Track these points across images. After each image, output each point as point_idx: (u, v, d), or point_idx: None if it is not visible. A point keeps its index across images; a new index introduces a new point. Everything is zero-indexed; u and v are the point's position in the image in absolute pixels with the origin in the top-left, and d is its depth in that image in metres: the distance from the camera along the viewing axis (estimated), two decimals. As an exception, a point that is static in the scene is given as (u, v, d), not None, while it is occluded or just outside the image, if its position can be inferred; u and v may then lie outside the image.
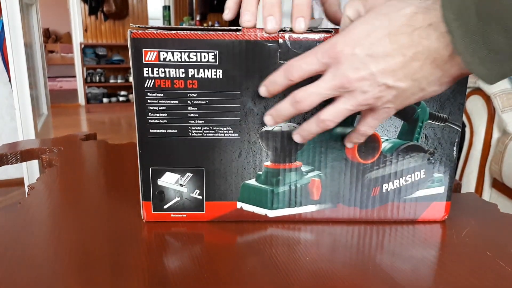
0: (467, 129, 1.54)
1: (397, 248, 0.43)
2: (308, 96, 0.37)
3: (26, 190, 0.63)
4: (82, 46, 5.33)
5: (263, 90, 0.41)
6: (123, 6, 5.51)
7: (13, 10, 1.78)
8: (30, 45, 2.08)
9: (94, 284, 0.35)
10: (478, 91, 1.51)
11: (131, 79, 0.42)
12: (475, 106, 1.52)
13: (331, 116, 0.38)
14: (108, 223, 0.47)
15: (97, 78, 5.46)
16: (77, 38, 5.32)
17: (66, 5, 5.54)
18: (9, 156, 0.75)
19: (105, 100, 5.48)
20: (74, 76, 5.51)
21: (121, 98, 5.58)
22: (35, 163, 1.90)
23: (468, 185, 1.54)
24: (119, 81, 5.58)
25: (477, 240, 0.44)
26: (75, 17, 5.30)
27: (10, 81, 1.97)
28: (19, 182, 2.20)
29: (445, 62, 0.33)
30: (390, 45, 0.33)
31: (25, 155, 0.77)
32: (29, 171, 1.93)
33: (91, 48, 5.48)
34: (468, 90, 1.51)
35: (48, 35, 7.29)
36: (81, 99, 5.39)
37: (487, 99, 1.47)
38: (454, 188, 0.49)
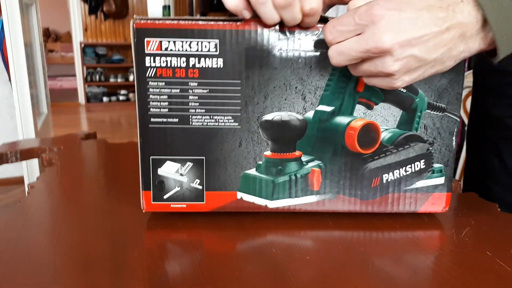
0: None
1: (397, 248, 0.43)
2: (337, 55, 0.37)
3: (26, 189, 0.64)
4: (82, 45, 5.33)
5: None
6: (123, 6, 5.51)
7: (12, 10, 1.78)
8: (30, 45, 2.08)
9: (94, 284, 0.35)
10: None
11: (131, 78, 0.43)
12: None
13: (353, 72, 0.39)
14: (108, 223, 0.47)
15: (97, 77, 5.47)
16: (77, 37, 5.32)
17: (66, 4, 5.53)
18: (9, 155, 0.76)
19: (105, 99, 5.48)
20: (74, 75, 5.51)
21: (121, 97, 5.57)
22: (35, 162, 1.90)
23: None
24: (119, 80, 5.57)
25: (477, 240, 0.44)
26: (75, 16, 5.30)
27: (10, 80, 1.97)
28: (19, 181, 2.20)
29: (471, 36, 0.36)
30: (427, 15, 0.35)
31: (25, 154, 0.77)
32: (29, 170, 1.93)
33: (91, 48, 5.48)
34: (468, 90, 1.51)
35: (48, 35, 7.28)
36: (81, 98, 5.39)
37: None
38: (454, 188, 0.49)
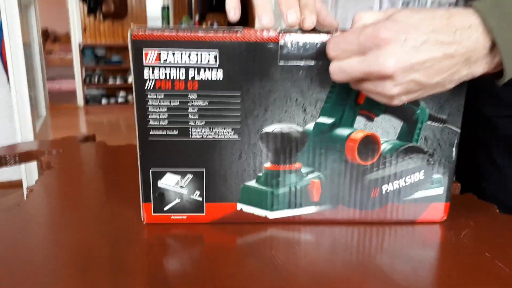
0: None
1: (397, 249, 0.43)
2: (338, 72, 0.38)
3: (25, 192, 0.64)
4: (81, 46, 5.33)
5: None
6: (122, 6, 5.50)
7: (11, 10, 1.78)
8: (28, 45, 2.07)
9: (94, 283, 0.35)
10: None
11: (130, 80, 0.42)
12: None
13: (354, 87, 0.39)
14: (108, 225, 0.47)
15: (96, 79, 5.46)
16: (76, 38, 5.31)
17: (65, 5, 5.53)
18: (7, 158, 0.75)
19: (104, 101, 5.47)
20: (73, 77, 5.50)
21: (119, 99, 5.57)
22: (33, 165, 1.89)
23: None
24: (118, 81, 5.57)
25: (476, 241, 0.44)
26: (74, 17, 5.29)
27: (8, 81, 1.96)
28: (17, 184, 2.20)
29: (476, 61, 0.35)
30: (433, 40, 0.34)
31: (24, 157, 0.77)
32: (27, 173, 1.93)
33: (90, 49, 5.47)
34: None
35: (47, 35, 7.28)
36: (80, 100, 5.38)
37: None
38: (453, 190, 0.49)
